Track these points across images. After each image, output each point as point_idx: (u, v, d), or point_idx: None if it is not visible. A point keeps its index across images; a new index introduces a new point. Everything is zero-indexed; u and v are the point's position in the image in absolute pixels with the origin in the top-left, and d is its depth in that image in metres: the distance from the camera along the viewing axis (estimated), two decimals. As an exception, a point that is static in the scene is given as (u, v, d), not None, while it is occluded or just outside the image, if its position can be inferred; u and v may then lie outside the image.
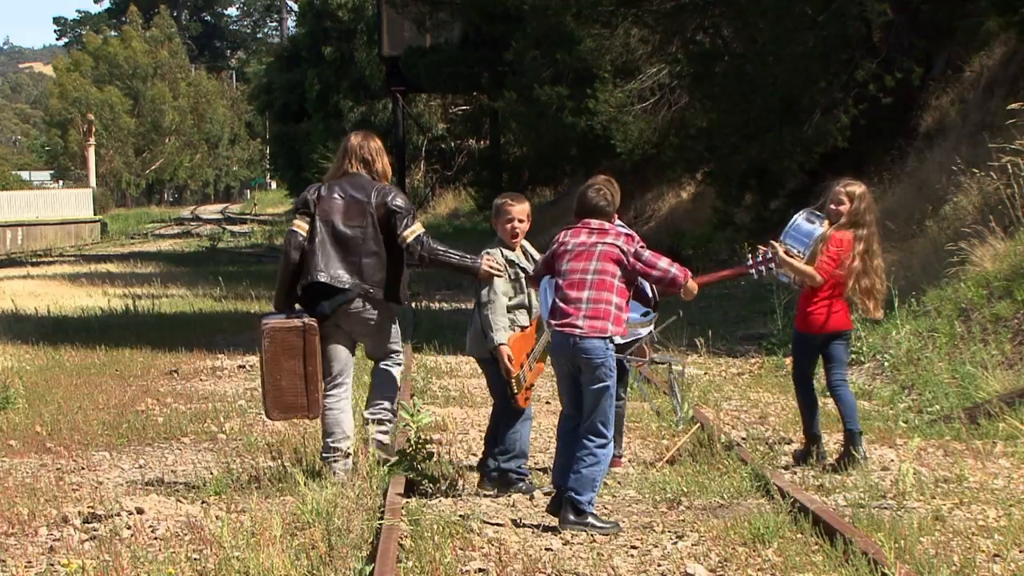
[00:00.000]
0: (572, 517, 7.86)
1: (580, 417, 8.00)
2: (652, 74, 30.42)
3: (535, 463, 9.88)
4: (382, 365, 9.25)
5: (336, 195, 9.08)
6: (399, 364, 9.35)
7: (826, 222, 9.77)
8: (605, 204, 8.25)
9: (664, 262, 8.10)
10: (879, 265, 9.73)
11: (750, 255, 10.08)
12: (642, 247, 8.12)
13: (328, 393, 9.07)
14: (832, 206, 9.76)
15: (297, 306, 9.08)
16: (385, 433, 9.15)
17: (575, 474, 7.86)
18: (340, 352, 9.11)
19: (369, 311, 9.03)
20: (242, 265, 38.55)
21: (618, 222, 9.71)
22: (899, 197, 20.31)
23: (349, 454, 9.05)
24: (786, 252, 9.68)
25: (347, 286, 8.94)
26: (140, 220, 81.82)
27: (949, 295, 14.31)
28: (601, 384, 7.90)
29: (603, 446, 7.93)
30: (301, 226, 9.06)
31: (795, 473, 9.44)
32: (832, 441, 10.25)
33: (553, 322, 8.06)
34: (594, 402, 7.92)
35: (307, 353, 8.85)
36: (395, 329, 9.25)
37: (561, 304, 8.04)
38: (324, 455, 9.09)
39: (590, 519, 7.87)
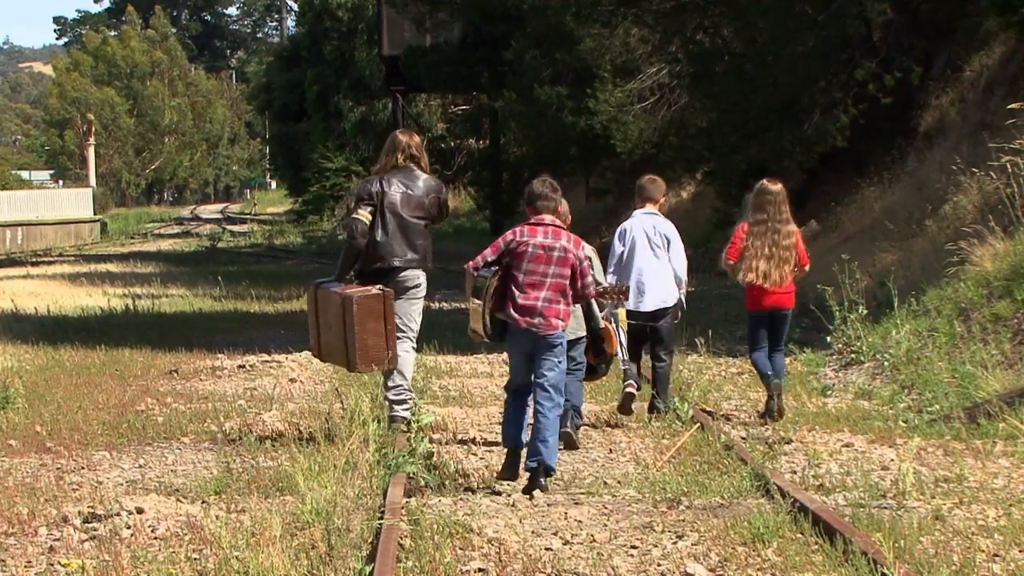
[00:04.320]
0: (546, 483, 8.96)
1: (530, 387, 9.01)
2: (652, 74, 30.42)
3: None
4: (400, 349, 10.34)
5: (397, 188, 10.41)
6: (414, 347, 10.65)
7: None
8: (549, 194, 9.11)
9: (590, 278, 9.21)
10: None
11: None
12: (587, 257, 9.27)
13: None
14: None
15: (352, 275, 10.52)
16: (406, 410, 10.36)
17: (543, 443, 8.84)
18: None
19: (415, 278, 10.53)
20: (242, 265, 38.52)
21: (648, 208, 11.61)
22: (899, 197, 20.31)
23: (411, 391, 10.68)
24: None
25: (413, 264, 10.45)
26: (140, 220, 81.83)
27: (949, 295, 14.31)
28: (556, 360, 8.97)
29: (557, 408, 9.00)
30: (366, 216, 10.39)
31: (794, 473, 9.45)
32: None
33: (515, 316, 8.95)
34: (552, 371, 8.94)
35: (387, 316, 10.21)
36: (420, 306, 10.63)
37: (521, 301, 8.96)
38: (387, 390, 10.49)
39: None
